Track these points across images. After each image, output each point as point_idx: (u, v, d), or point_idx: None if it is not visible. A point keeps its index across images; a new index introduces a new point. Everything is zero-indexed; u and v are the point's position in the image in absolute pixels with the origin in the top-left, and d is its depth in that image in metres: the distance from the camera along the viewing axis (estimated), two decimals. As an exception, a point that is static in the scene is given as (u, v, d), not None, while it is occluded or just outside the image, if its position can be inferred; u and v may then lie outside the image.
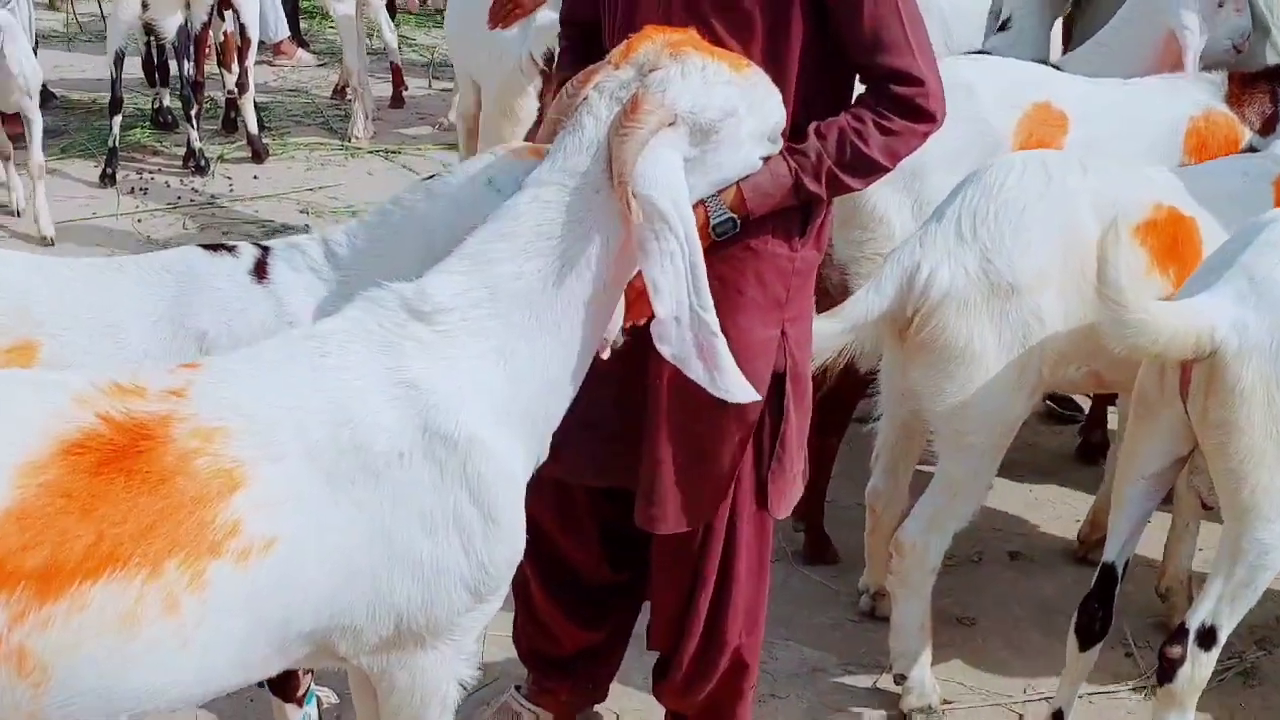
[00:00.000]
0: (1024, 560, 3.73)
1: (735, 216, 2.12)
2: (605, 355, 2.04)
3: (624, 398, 2.26)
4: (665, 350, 1.84)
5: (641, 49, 1.91)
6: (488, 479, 1.82)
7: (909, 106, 2.17)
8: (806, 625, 3.35)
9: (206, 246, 2.39)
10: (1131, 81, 3.79)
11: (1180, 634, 2.59)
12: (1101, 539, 3.28)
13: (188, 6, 6.20)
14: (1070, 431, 4.44)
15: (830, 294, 3.50)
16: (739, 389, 1.87)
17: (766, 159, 2.08)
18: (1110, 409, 4.14)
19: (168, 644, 1.64)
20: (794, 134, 2.15)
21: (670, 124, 1.86)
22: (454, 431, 1.79)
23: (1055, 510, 4.00)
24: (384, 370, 1.79)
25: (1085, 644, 2.78)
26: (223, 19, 6.70)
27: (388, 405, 1.77)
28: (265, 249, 2.35)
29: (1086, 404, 4.39)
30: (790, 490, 2.38)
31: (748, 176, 2.07)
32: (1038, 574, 3.66)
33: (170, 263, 2.34)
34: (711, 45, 1.97)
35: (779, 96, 2.03)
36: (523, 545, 1.94)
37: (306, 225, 5.88)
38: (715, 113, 1.90)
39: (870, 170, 2.20)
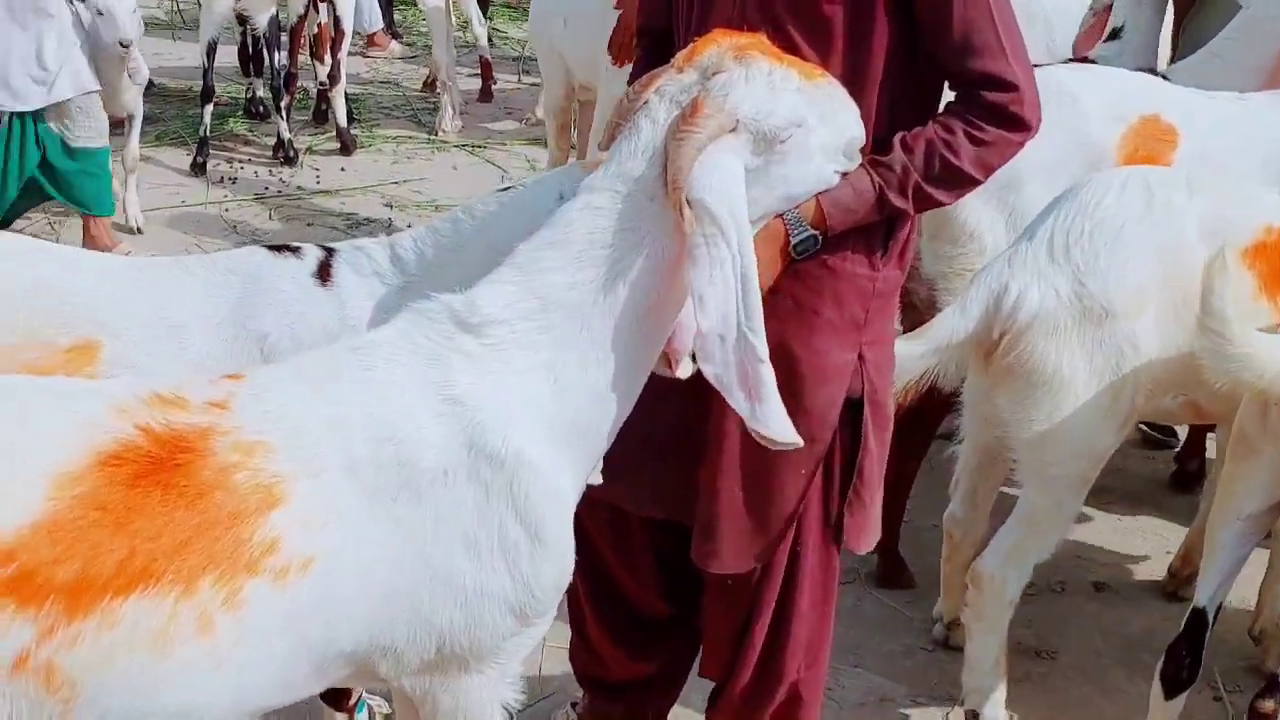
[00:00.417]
0: (1109, 592, 3.58)
1: (817, 233, 2.00)
2: (683, 373, 1.94)
3: (683, 422, 2.15)
4: (707, 370, 1.74)
5: (706, 52, 1.81)
6: (534, 498, 1.75)
7: (1003, 114, 2.04)
8: (876, 652, 3.24)
9: (272, 247, 2.38)
10: (1248, 96, 3.60)
11: (1274, 686, 2.49)
12: (1194, 574, 3.14)
13: (283, -1, 6.27)
14: (1164, 457, 4.25)
15: (917, 309, 3.39)
16: (779, 427, 1.73)
17: (844, 174, 1.97)
18: (1209, 434, 3.95)
19: (201, 664, 1.60)
20: (877, 146, 2.03)
21: (731, 130, 1.76)
22: (500, 449, 1.72)
23: (1145, 540, 3.83)
24: (430, 385, 1.73)
25: (1171, 692, 2.65)
26: (318, 11, 6.76)
27: (433, 421, 1.71)
28: (330, 251, 2.34)
29: (1183, 428, 4.19)
30: (871, 525, 2.24)
31: (827, 191, 1.96)
32: (1124, 608, 3.50)
33: (235, 264, 2.34)
34: (783, 52, 1.86)
35: (856, 111, 1.91)
36: (571, 565, 1.87)
37: (390, 219, 5.90)
38: (780, 121, 1.79)
39: (960, 183, 2.07)
